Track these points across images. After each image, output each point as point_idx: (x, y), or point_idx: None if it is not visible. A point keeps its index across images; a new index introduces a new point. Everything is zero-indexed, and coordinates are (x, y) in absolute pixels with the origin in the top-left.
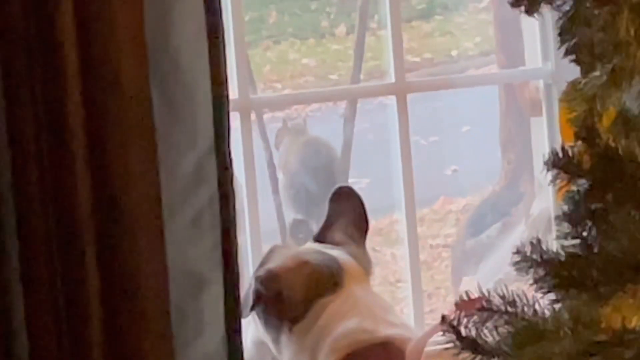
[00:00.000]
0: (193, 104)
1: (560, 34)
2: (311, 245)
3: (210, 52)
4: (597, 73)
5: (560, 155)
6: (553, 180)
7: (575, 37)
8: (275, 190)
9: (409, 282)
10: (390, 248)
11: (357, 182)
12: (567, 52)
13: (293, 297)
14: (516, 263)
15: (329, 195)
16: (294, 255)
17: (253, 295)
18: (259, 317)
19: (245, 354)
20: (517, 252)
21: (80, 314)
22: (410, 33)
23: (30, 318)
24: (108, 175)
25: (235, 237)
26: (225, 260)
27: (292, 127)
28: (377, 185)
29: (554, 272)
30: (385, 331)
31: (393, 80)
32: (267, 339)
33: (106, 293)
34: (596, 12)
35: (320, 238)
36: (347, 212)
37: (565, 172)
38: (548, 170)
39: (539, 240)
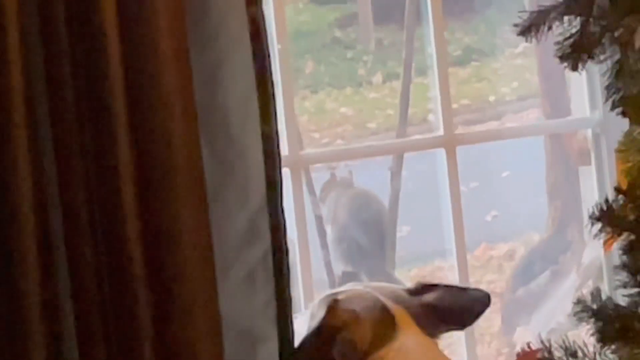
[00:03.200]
0: (244, 161)
1: (607, 88)
2: (362, 291)
3: (261, 109)
4: None
5: (605, 208)
6: (598, 234)
7: (622, 91)
8: (324, 244)
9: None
10: None
11: (398, 231)
12: (614, 105)
13: (359, 354)
14: (576, 313)
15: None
16: (355, 316)
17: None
18: None
19: None
20: (578, 302)
21: None
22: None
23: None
24: (158, 234)
25: (289, 293)
26: (279, 317)
27: (340, 180)
28: (419, 234)
29: (615, 322)
30: None
31: (441, 133)
32: None
33: (158, 352)
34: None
35: (419, 288)
36: (460, 299)
37: (609, 226)
38: (592, 224)
39: (598, 290)
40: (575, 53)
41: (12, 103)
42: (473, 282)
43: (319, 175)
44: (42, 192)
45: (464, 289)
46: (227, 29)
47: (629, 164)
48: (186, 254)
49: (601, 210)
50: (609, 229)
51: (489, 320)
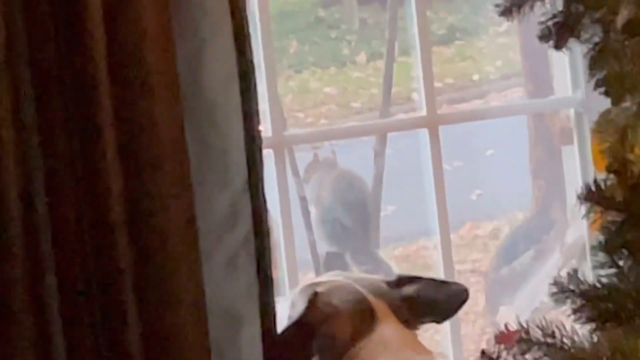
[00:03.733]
0: (226, 143)
1: (589, 67)
2: (341, 284)
3: (242, 92)
4: (627, 104)
5: (593, 188)
6: (587, 214)
7: (604, 70)
8: (308, 225)
9: None
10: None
11: (383, 210)
12: (597, 85)
13: (339, 348)
14: (553, 294)
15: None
16: (335, 310)
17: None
18: None
19: None
20: (555, 283)
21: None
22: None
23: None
24: (142, 216)
25: (271, 275)
26: (262, 299)
27: (323, 160)
28: (403, 213)
29: (592, 303)
30: None
31: (424, 113)
32: None
33: (146, 337)
34: (626, 43)
35: (397, 281)
36: (440, 294)
37: (598, 205)
38: (581, 203)
39: (575, 271)
40: (559, 32)
41: None
42: (458, 261)
43: (303, 156)
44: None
45: (443, 283)
46: (210, 11)
47: (607, 144)
48: (171, 240)
49: (589, 190)
50: (597, 209)
51: (474, 299)
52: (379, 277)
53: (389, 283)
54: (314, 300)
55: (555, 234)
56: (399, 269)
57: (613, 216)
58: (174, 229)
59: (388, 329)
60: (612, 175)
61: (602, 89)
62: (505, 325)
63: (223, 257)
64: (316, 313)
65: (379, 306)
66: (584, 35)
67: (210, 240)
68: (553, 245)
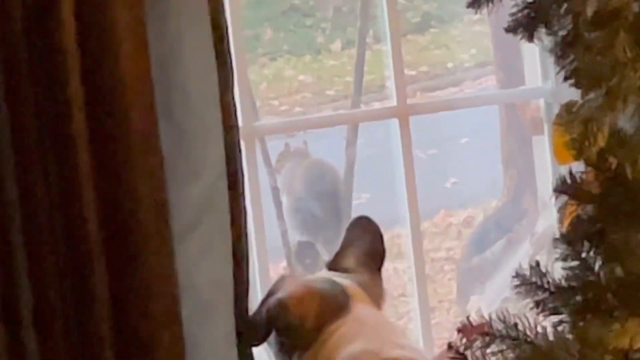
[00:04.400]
0: (204, 131)
1: (559, 58)
2: (320, 273)
3: (220, 81)
4: (592, 95)
5: (569, 181)
6: (562, 207)
7: (574, 61)
8: (280, 215)
9: (415, 296)
10: (393, 262)
11: (357, 198)
12: (566, 76)
13: (303, 327)
14: (516, 287)
15: (348, 225)
16: (302, 284)
17: (265, 325)
18: (271, 346)
19: None
20: (517, 275)
21: (91, 341)
22: (406, 46)
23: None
24: (116, 200)
25: (246, 262)
26: (236, 286)
27: (294, 150)
28: (377, 201)
29: (555, 296)
30: (390, 352)
31: (395, 103)
32: None
33: (117, 323)
34: (593, 35)
35: (333, 265)
36: (363, 241)
37: (573, 198)
38: (557, 197)
39: (538, 263)
40: (529, 24)
41: None
42: (432, 249)
43: (277, 144)
44: None
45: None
46: (187, 3)
47: (571, 136)
48: (144, 227)
49: (564, 182)
50: (572, 202)
51: (448, 287)
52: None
53: (331, 263)
54: (281, 280)
55: (526, 222)
56: None
57: (585, 209)
58: (144, 211)
59: (363, 309)
60: (589, 168)
61: (572, 81)
62: (468, 318)
63: (197, 244)
64: (284, 299)
65: (353, 289)
66: (554, 27)
67: (186, 224)
68: (524, 234)
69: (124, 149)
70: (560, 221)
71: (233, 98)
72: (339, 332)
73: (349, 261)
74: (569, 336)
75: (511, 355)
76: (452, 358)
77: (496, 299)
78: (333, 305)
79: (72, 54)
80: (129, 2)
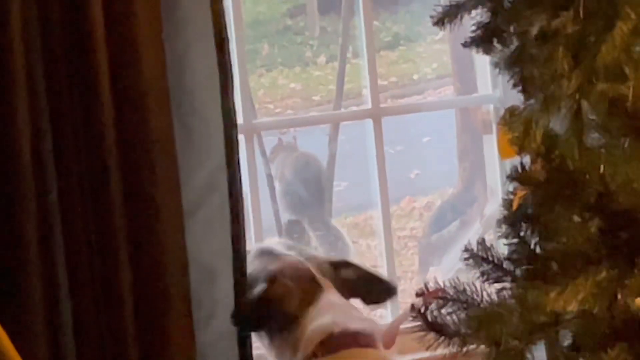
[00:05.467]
0: (207, 128)
1: (509, 69)
2: (293, 261)
3: (221, 86)
4: (531, 101)
5: (520, 170)
6: (513, 191)
7: (520, 72)
8: (273, 197)
9: (384, 267)
10: (366, 240)
11: (337, 185)
12: (515, 84)
13: (290, 310)
14: (465, 259)
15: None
16: (286, 281)
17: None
18: (262, 337)
19: None
20: (465, 250)
21: (115, 299)
22: (379, 61)
23: (75, 302)
24: (138, 184)
25: (243, 236)
26: (234, 256)
27: (286, 144)
28: (354, 188)
29: (498, 267)
30: (354, 325)
31: (370, 106)
32: (261, 335)
33: (137, 284)
34: (537, 50)
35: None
36: (374, 290)
37: (523, 184)
38: (510, 182)
39: (483, 240)
40: (487, 39)
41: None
42: (398, 229)
43: (271, 139)
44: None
45: (379, 279)
46: (194, 20)
47: (515, 135)
48: (160, 202)
49: (516, 171)
50: (522, 187)
51: (411, 260)
52: (325, 257)
53: (332, 263)
54: (272, 281)
55: (477, 207)
56: (350, 235)
57: (532, 194)
58: (162, 192)
59: (332, 296)
60: (539, 159)
61: (519, 88)
62: (426, 285)
63: (201, 220)
64: (274, 291)
65: (324, 281)
66: (506, 43)
67: (192, 204)
68: (475, 216)
69: (144, 143)
70: (506, 206)
71: (233, 101)
72: (312, 315)
73: (353, 273)
74: (512, 300)
75: (462, 315)
76: (413, 316)
77: (451, 270)
78: (311, 297)
79: (103, 64)
80: (149, 19)
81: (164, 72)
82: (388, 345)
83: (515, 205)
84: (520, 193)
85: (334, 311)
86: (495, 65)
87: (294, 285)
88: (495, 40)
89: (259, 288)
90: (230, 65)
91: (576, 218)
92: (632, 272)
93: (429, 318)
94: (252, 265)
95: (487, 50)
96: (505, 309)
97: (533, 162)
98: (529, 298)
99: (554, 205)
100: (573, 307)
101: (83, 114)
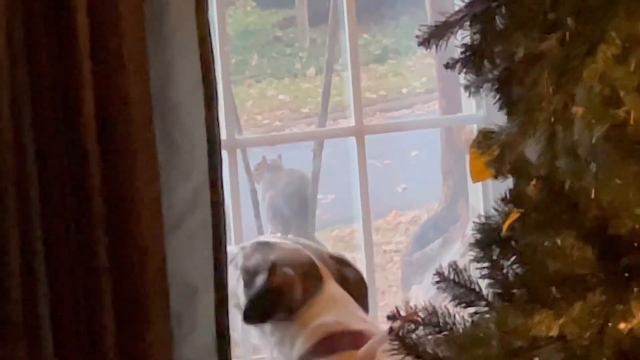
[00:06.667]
0: (190, 143)
1: (496, 91)
2: (295, 252)
3: (205, 101)
4: (507, 125)
5: (515, 192)
6: (508, 214)
7: (508, 94)
8: (257, 213)
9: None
10: (351, 252)
11: (324, 198)
12: (501, 107)
13: (292, 305)
14: (436, 282)
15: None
16: (289, 273)
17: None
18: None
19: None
20: (437, 273)
21: (95, 303)
22: (368, 74)
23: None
24: (118, 198)
25: (225, 252)
26: (215, 272)
27: (270, 162)
28: (340, 200)
29: (471, 291)
30: (356, 325)
31: (353, 124)
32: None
33: (118, 302)
34: (524, 73)
35: (338, 258)
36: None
37: (517, 207)
38: (506, 205)
39: (456, 264)
40: (476, 60)
41: None
42: (385, 242)
43: (257, 152)
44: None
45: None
46: (180, 34)
47: (490, 158)
48: (141, 219)
49: (512, 193)
50: (515, 210)
51: (396, 275)
52: (323, 248)
53: (332, 256)
54: (274, 270)
55: (460, 225)
56: (335, 248)
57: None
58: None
59: (333, 288)
60: (534, 182)
61: (505, 110)
62: (397, 308)
63: (184, 236)
64: (275, 281)
65: (324, 270)
66: (495, 64)
67: (174, 220)
68: (457, 235)
69: (126, 154)
70: (479, 229)
71: (217, 116)
72: (315, 307)
73: (350, 272)
74: (491, 324)
75: (438, 338)
76: (391, 339)
77: (432, 288)
78: (312, 286)
79: (87, 78)
80: (133, 33)
81: (147, 87)
82: None
83: (505, 228)
84: (514, 216)
85: (337, 308)
86: (477, 87)
87: (294, 274)
88: (485, 62)
89: (260, 279)
90: (215, 80)
91: (571, 242)
92: (626, 298)
93: (408, 341)
94: (251, 260)
95: (476, 72)
96: (485, 333)
97: (518, 184)
98: (509, 322)
99: (549, 229)
100: (559, 331)
101: (66, 127)
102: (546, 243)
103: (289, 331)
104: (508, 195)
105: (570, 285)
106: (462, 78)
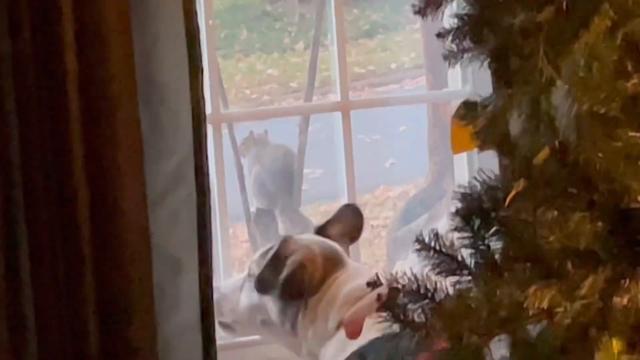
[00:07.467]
0: (175, 119)
1: (492, 62)
2: (312, 236)
3: (190, 77)
4: (494, 96)
5: (524, 166)
6: (517, 187)
7: (504, 65)
8: (243, 187)
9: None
10: None
11: (312, 173)
12: (497, 79)
13: (313, 281)
14: (417, 250)
15: (341, 206)
16: (309, 247)
17: (282, 281)
18: (275, 299)
19: (240, 315)
20: (417, 240)
21: (78, 289)
22: (357, 49)
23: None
24: (102, 175)
25: (209, 227)
26: (200, 247)
27: (257, 137)
28: (329, 175)
29: (452, 259)
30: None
31: (339, 99)
32: (281, 318)
33: (101, 276)
34: (521, 44)
35: (319, 231)
36: (348, 222)
37: (530, 179)
38: (514, 179)
39: (437, 231)
40: (475, 31)
41: None
42: (372, 217)
43: (243, 127)
44: None
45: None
46: (164, 11)
47: (477, 128)
48: (124, 191)
49: (524, 165)
50: (523, 182)
51: (384, 250)
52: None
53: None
54: (286, 240)
55: (445, 201)
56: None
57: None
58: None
59: (355, 264)
60: (541, 154)
61: (494, 82)
62: (377, 274)
63: (168, 210)
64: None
65: (341, 251)
66: (495, 34)
67: (158, 195)
68: (443, 211)
69: (110, 131)
70: (460, 198)
71: (202, 91)
72: (340, 279)
73: (333, 231)
74: (479, 294)
75: (423, 306)
76: (379, 307)
77: (417, 264)
78: (333, 262)
79: (70, 54)
80: (116, 6)
81: (131, 63)
82: (354, 335)
83: (508, 201)
84: (520, 185)
85: (362, 278)
86: (470, 59)
87: (318, 252)
88: (484, 32)
89: (291, 259)
90: (201, 56)
91: (579, 215)
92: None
93: (396, 310)
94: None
95: (473, 41)
96: (475, 303)
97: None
98: (498, 293)
99: (556, 202)
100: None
101: (49, 101)
102: (547, 216)
103: (319, 310)
104: (519, 167)
105: (572, 259)
106: (446, 49)
